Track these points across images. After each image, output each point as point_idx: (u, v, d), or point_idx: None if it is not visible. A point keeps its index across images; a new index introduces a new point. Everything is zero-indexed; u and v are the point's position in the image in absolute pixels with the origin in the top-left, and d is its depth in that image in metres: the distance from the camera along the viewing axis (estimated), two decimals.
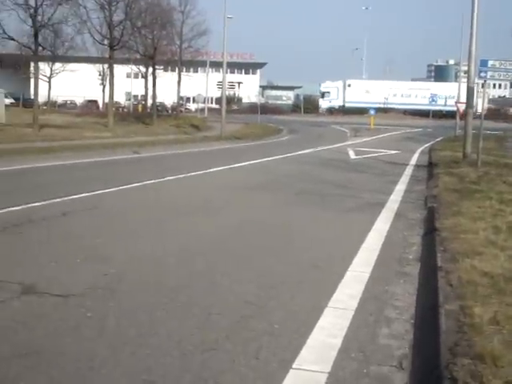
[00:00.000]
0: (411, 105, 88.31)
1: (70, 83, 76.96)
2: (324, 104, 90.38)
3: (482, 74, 17.72)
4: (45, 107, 60.74)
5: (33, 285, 5.57)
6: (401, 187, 14.34)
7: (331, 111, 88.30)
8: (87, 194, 11.33)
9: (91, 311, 4.97)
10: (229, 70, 60.84)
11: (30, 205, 9.90)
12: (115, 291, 5.51)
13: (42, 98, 49.31)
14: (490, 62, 17.68)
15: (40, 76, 44.99)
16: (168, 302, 5.27)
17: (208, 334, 4.55)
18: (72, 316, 4.88)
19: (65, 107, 77.46)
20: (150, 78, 48.85)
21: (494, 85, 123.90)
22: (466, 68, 21.31)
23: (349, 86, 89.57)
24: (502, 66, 17.60)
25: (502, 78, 18.43)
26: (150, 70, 49.14)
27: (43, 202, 10.22)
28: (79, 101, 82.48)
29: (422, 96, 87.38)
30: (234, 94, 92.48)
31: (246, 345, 4.39)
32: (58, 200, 10.54)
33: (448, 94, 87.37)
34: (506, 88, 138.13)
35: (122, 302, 5.24)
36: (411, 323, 5.05)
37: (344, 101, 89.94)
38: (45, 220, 8.84)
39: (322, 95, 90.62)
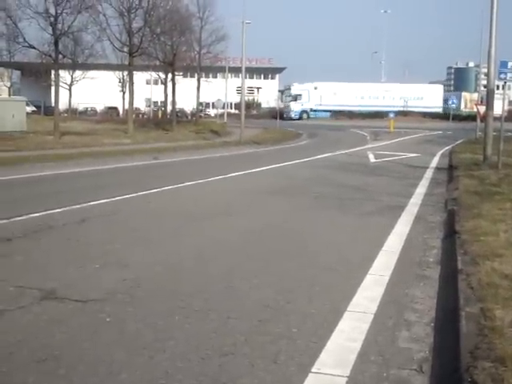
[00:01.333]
0: (381, 106, 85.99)
1: (91, 90, 77.48)
2: (296, 107, 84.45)
3: (502, 76, 17.59)
4: (65, 114, 61.24)
5: (52, 290, 5.60)
6: (421, 190, 14.25)
7: (303, 115, 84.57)
8: (106, 201, 11.38)
9: (110, 316, 4.99)
10: (248, 75, 61.04)
11: (49, 211, 9.97)
12: (134, 296, 5.52)
13: (62, 105, 49.76)
14: (510, 64, 17.54)
15: (61, 84, 45.38)
16: (186, 306, 5.27)
17: (226, 338, 4.55)
18: (91, 321, 4.90)
19: (85, 114, 78.02)
20: (170, 84, 49.05)
21: None
22: (485, 70, 21.14)
23: (315, 88, 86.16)
24: None
25: None
26: (170, 76, 49.35)
27: (63, 209, 10.28)
28: (99, 108, 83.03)
29: (392, 97, 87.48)
30: (253, 99, 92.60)
31: (265, 349, 4.38)
32: (78, 206, 10.60)
33: (419, 96, 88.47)
34: None
35: (140, 307, 5.25)
36: (431, 326, 5.01)
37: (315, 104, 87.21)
38: (64, 226, 8.89)
39: (295, 98, 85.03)
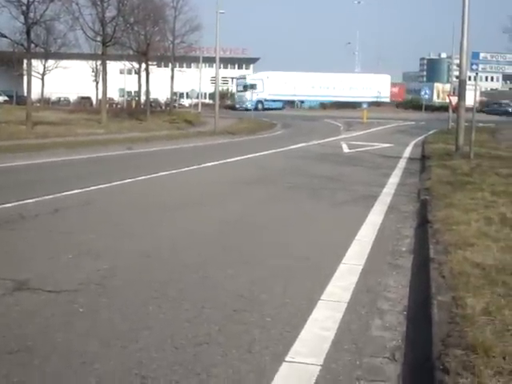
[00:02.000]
0: (330, 96, 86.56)
1: (64, 80, 76.74)
2: (252, 97, 77.80)
3: (474, 67, 17.78)
4: (38, 104, 60.65)
5: (25, 281, 5.56)
6: (394, 180, 14.35)
7: (259, 106, 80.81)
8: (80, 191, 11.30)
9: (83, 307, 4.97)
10: (222, 65, 60.91)
11: (22, 202, 9.88)
12: (107, 287, 5.50)
13: (35, 95, 49.20)
14: (482, 55, 17.77)
15: (33, 73, 44.83)
16: (160, 296, 5.26)
17: (200, 328, 4.55)
18: (64, 311, 4.87)
19: (58, 104, 77.29)
20: (144, 74, 48.76)
21: (486, 78, 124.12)
22: (458, 61, 21.29)
23: (267, 77, 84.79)
24: (494, 59, 17.67)
25: (493, 70, 18.51)
26: (143, 66, 49.00)
27: (36, 199, 10.18)
28: (73, 98, 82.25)
29: (341, 88, 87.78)
30: (228, 89, 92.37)
31: (239, 338, 4.39)
32: (51, 197, 10.51)
33: (368, 86, 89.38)
34: (498, 81, 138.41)
35: (114, 297, 5.24)
36: (404, 315, 5.06)
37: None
38: (37, 217, 8.82)
39: (251, 87, 78.85)
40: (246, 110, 74.88)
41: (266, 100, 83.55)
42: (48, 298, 5.17)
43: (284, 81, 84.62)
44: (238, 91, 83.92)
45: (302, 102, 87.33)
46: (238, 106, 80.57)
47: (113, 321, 4.67)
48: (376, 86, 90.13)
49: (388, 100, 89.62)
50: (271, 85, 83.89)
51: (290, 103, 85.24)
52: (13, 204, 9.66)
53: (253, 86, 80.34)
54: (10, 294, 5.23)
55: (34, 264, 6.25)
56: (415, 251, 7.24)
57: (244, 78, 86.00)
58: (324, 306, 5.15)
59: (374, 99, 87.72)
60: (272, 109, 79.21)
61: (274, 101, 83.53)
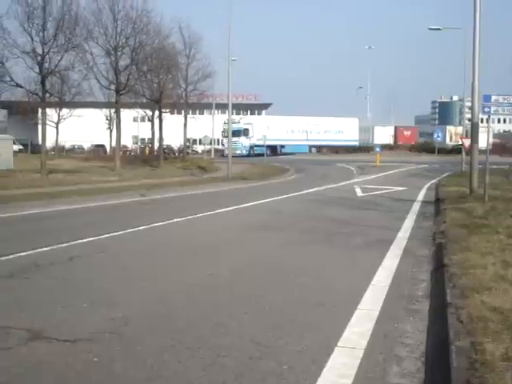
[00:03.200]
0: (307, 140, 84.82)
1: (78, 128, 77.62)
2: (246, 142, 77.67)
3: (486, 109, 17.79)
4: (53, 153, 61.16)
5: (40, 331, 5.55)
6: (408, 224, 14.28)
7: (251, 151, 78.04)
8: (94, 238, 11.33)
9: (98, 356, 4.94)
10: (234, 112, 61.37)
11: (36, 250, 9.91)
12: (122, 335, 5.48)
13: (49, 143, 49.78)
14: (494, 97, 17.76)
15: (47, 122, 45.46)
16: (175, 344, 5.23)
17: (216, 376, 4.51)
18: (79, 361, 4.85)
19: (73, 152, 78.00)
20: (157, 121, 49.19)
21: (499, 120, 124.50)
22: (469, 103, 21.39)
23: (250, 124, 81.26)
24: (505, 101, 17.68)
25: (505, 112, 18.49)
26: (157, 113, 49.47)
27: (50, 247, 10.22)
28: (87, 145, 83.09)
29: (317, 131, 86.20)
30: None
31: None
32: (65, 245, 10.55)
33: (339, 129, 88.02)
34: (510, 122, 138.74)
35: (129, 345, 5.21)
36: (422, 361, 4.99)
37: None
38: (52, 265, 8.83)
39: (244, 132, 77.34)
40: (240, 156, 71.62)
41: (255, 145, 78.60)
42: (63, 348, 5.15)
43: (266, 125, 79.66)
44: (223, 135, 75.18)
45: (283, 146, 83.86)
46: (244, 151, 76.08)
47: (127, 370, 4.64)
48: (346, 130, 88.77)
49: (357, 144, 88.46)
50: (256, 129, 79.60)
51: (272, 149, 79.02)
52: (28, 253, 9.69)
53: (245, 131, 78.42)
54: (25, 344, 5.22)
55: (49, 313, 6.25)
56: (432, 296, 7.18)
57: (237, 122, 77.36)
58: (341, 352, 5.10)
59: (344, 143, 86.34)
60: (259, 154, 70.87)
61: (258, 146, 75.93)
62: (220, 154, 73.53)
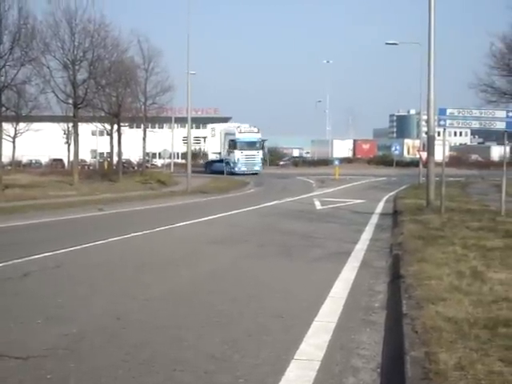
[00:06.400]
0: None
1: (35, 142, 76.58)
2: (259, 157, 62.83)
3: (442, 122, 18.01)
4: (9, 167, 60.31)
5: None
6: (366, 236, 14.38)
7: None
8: (50, 254, 11.16)
9: (51, 373, 4.86)
10: (194, 125, 61.03)
11: None
12: (76, 351, 5.39)
13: (6, 158, 48.99)
14: (449, 111, 18.00)
15: (4, 136, 44.74)
16: (130, 359, 5.17)
17: None
18: (32, 378, 4.77)
19: (30, 167, 76.94)
20: (116, 135, 48.87)
21: (455, 133, 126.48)
22: (426, 117, 21.66)
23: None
24: (460, 114, 17.95)
25: (460, 125, 18.77)
26: (115, 127, 49.16)
27: (4, 263, 10.03)
28: (44, 160, 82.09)
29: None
30: (200, 148, 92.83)
31: None
32: (20, 260, 10.37)
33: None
34: (466, 135, 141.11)
35: (83, 361, 5.13)
36: (378, 372, 5.01)
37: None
38: (5, 281, 8.68)
39: (260, 145, 63.37)
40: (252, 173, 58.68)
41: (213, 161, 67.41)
42: (16, 365, 5.05)
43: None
44: (227, 149, 61.93)
45: None
46: (236, 169, 59.75)
47: None
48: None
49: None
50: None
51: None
52: None
53: (261, 144, 64.05)
54: None
55: (2, 330, 6.13)
56: (388, 307, 7.23)
57: (254, 131, 62.83)
58: (297, 365, 5.09)
59: None
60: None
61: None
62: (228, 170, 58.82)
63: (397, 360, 4.99)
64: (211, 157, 63.83)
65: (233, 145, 59.97)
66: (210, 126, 66.86)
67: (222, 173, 56.70)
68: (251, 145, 60.23)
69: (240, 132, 60.00)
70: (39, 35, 34.72)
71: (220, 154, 62.82)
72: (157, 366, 5.00)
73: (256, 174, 57.90)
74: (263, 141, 63.91)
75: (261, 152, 62.61)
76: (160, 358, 5.21)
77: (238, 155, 59.50)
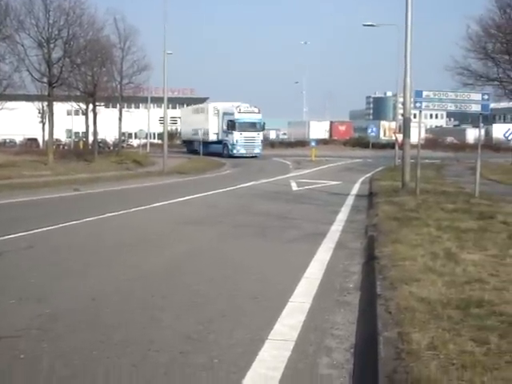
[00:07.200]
0: None
1: (9, 122, 75.62)
2: (259, 139, 58.62)
3: (417, 105, 18.07)
4: None
5: None
6: (342, 217, 14.44)
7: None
8: (23, 234, 11.07)
9: (24, 353, 4.83)
10: (170, 106, 60.65)
11: None
12: (49, 332, 5.36)
13: None
14: (425, 93, 18.06)
15: None
16: (105, 340, 5.15)
17: (145, 372, 4.46)
18: (4, 358, 4.73)
19: (3, 146, 76.02)
20: (91, 115, 48.47)
21: (431, 115, 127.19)
22: (402, 99, 21.72)
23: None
24: (436, 97, 18.02)
25: (436, 107, 18.85)
26: (91, 106, 48.73)
27: None
28: (19, 139, 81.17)
29: None
30: (176, 129, 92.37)
31: (185, 381, 4.32)
32: None
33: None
34: (442, 118, 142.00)
35: (56, 342, 5.11)
36: (351, 352, 5.05)
37: None
38: None
39: (261, 126, 57.82)
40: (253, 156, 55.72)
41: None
42: None
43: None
44: (225, 130, 57.05)
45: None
46: (234, 151, 55.63)
47: (54, 367, 4.55)
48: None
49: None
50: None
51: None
52: None
53: (262, 125, 58.67)
54: None
55: None
56: (362, 288, 7.28)
57: (254, 111, 57.68)
58: (271, 345, 5.11)
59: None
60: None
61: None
62: (226, 153, 55.67)
63: (370, 340, 5.03)
64: (212, 137, 58.50)
65: (231, 125, 55.73)
66: (211, 104, 61.13)
67: (219, 155, 53.81)
68: (251, 126, 56.15)
69: (239, 112, 55.87)
70: (13, 12, 34.35)
71: (217, 134, 58.58)
72: (131, 347, 5.00)
73: (256, 157, 54.86)
74: (264, 122, 58.86)
75: (261, 134, 58.71)
76: (135, 339, 5.21)
77: (237, 136, 55.58)
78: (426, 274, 6.93)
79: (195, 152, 56.60)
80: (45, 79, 39.92)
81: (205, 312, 6.09)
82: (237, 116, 55.66)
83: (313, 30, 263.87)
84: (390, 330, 4.98)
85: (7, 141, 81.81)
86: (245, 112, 56.44)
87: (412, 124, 21.19)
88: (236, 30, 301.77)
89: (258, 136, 57.58)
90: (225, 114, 57.37)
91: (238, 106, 56.08)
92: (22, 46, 36.83)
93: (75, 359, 4.70)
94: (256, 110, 57.48)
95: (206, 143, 57.29)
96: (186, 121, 67.88)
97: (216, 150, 56.04)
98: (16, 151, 60.03)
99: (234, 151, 55.38)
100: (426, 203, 15.02)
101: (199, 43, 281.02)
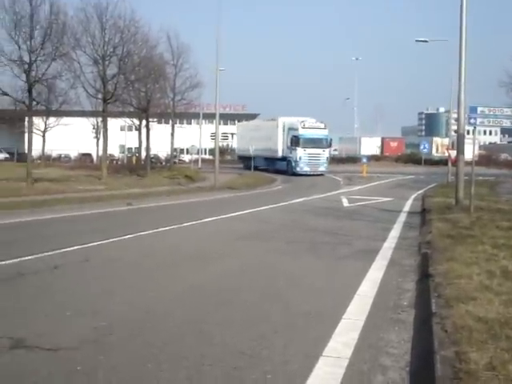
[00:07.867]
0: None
1: (65, 137, 77.25)
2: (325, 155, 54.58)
3: (472, 121, 17.84)
4: (39, 161, 60.89)
5: (22, 339, 5.50)
6: (394, 234, 14.30)
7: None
8: (79, 247, 11.26)
9: (81, 365, 4.90)
10: (222, 122, 60.87)
11: (20, 258, 9.83)
12: (105, 344, 5.43)
13: (36, 152, 49.59)
14: (480, 109, 17.82)
15: (34, 130, 45.30)
16: (159, 353, 5.19)
17: None
18: (61, 370, 4.81)
19: (59, 161, 77.53)
20: (144, 131, 49.11)
21: (485, 131, 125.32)
22: (456, 115, 21.49)
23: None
24: (491, 113, 17.75)
25: (491, 124, 18.56)
26: (144, 122, 49.40)
27: (35, 256, 10.13)
28: (73, 154, 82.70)
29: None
30: (228, 144, 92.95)
31: None
32: (50, 253, 10.46)
33: None
34: (496, 134, 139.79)
35: (111, 354, 5.17)
36: (406, 370, 4.98)
37: None
38: (36, 274, 8.77)
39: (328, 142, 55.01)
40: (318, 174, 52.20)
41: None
42: (46, 356, 5.11)
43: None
44: (289, 146, 53.78)
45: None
46: (298, 168, 52.39)
47: (109, 379, 4.60)
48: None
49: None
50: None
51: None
52: (12, 261, 9.61)
53: (329, 142, 56.12)
54: (7, 352, 5.16)
55: (32, 321, 6.20)
56: (417, 306, 7.18)
57: (320, 127, 54.72)
58: (325, 362, 5.08)
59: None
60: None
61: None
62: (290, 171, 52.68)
63: (426, 359, 4.95)
64: (280, 154, 55.60)
65: (295, 141, 52.53)
66: (281, 118, 57.58)
67: (284, 172, 51.87)
68: (316, 142, 52.78)
69: (303, 127, 52.81)
70: (70, 30, 35.05)
71: (282, 151, 55.60)
72: (185, 361, 5.02)
73: (322, 175, 51.81)
74: (331, 138, 56.21)
75: (327, 151, 55.13)
76: (188, 353, 5.23)
77: (300, 153, 52.31)
78: (483, 293, 6.81)
79: (256, 169, 54.63)
80: (99, 95, 40.72)
81: (258, 328, 6.08)
82: (301, 131, 52.82)
83: (365, 45, 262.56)
84: (446, 349, 4.90)
85: (62, 156, 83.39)
86: (309, 127, 53.79)
87: (466, 140, 20.89)
88: (288, 46, 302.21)
89: (324, 153, 54.04)
90: (290, 129, 54.72)
91: (303, 121, 53.71)
92: (78, 63, 37.66)
93: (131, 372, 4.75)
94: (322, 126, 54.67)
95: (271, 160, 56.32)
96: (245, 136, 65.05)
97: (281, 167, 54.29)
98: (71, 166, 61.20)
99: (298, 169, 52.46)
100: (480, 221, 14.77)
101: (251, 59, 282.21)
